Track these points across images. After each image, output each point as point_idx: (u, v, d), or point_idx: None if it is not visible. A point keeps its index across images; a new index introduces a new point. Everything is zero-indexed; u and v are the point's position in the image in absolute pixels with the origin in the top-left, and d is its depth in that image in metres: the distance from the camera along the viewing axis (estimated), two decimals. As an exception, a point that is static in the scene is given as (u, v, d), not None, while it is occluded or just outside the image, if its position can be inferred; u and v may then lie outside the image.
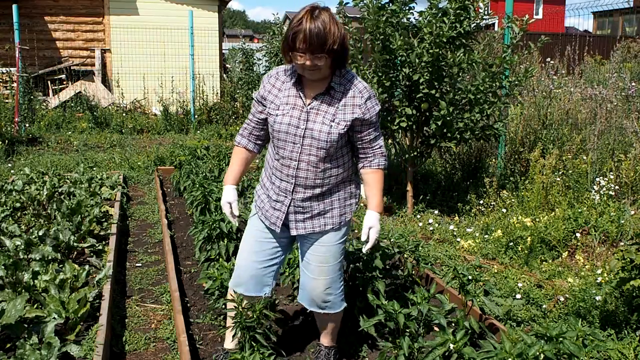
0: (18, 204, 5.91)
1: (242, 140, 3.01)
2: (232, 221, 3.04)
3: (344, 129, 2.77)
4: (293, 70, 2.81)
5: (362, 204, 5.56)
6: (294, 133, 2.76)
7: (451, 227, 5.82)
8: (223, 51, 18.83)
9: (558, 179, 5.97)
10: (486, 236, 5.45)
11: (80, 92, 14.53)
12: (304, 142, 2.77)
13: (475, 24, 5.85)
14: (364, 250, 3.00)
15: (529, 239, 5.01)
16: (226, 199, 2.99)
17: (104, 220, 5.65)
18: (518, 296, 4.11)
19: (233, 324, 2.95)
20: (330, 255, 2.98)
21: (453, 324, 3.19)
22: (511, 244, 5.13)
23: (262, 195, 3.02)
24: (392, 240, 4.02)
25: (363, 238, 2.95)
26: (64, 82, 15.28)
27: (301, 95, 2.79)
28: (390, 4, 5.91)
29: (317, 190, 2.87)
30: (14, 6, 12.17)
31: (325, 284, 3.00)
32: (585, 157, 6.25)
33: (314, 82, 2.77)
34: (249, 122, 2.99)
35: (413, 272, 3.91)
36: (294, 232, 2.94)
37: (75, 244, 4.78)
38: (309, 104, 2.78)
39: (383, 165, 3.01)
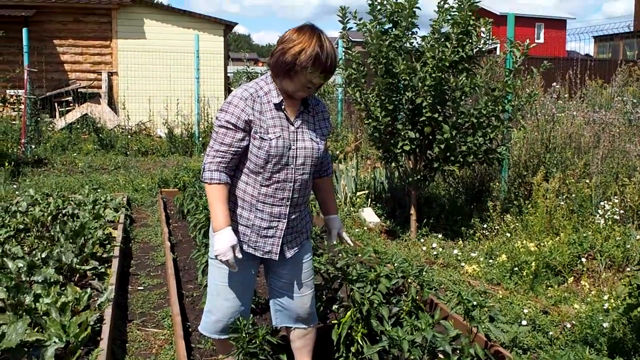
0: (22, 225, 5.93)
1: (222, 176, 2.67)
2: (235, 267, 2.68)
3: (324, 142, 2.89)
4: (266, 90, 2.73)
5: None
6: (287, 155, 2.72)
7: (455, 251, 5.79)
8: (228, 74, 18.96)
9: (562, 203, 5.94)
10: (490, 261, 5.42)
11: (86, 114, 14.63)
12: (297, 162, 2.75)
13: (477, 49, 5.88)
14: (334, 242, 3.22)
15: (533, 263, 4.97)
16: (229, 243, 2.62)
17: (107, 242, 5.64)
18: (524, 322, 4.07)
19: (236, 350, 2.92)
20: (311, 268, 3.06)
21: (458, 351, 3.15)
22: (516, 268, 5.09)
23: (239, 228, 2.80)
24: (395, 264, 3.99)
25: (334, 241, 3.17)
26: (71, 104, 15.40)
27: (286, 115, 2.74)
28: (393, 29, 5.96)
29: (302, 207, 2.90)
30: (24, 30, 12.33)
31: (311, 297, 3.05)
32: (589, 181, 6.23)
33: (294, 101, 2.78)
34: (224, 154, 2.66)
35: (417, 297, 3.88)
36: (289, 255, 2.90)
37: (77, 266, 4.77)
38: (295, 123, 2.76)
39: (332, 171, 3.14)
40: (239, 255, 2.68)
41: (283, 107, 2.73)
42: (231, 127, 2.65)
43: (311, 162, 2.79)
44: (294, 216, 2.85)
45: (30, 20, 15.34)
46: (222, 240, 2.63)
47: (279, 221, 2.81)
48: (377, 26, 5.97)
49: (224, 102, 2.73)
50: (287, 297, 3.01)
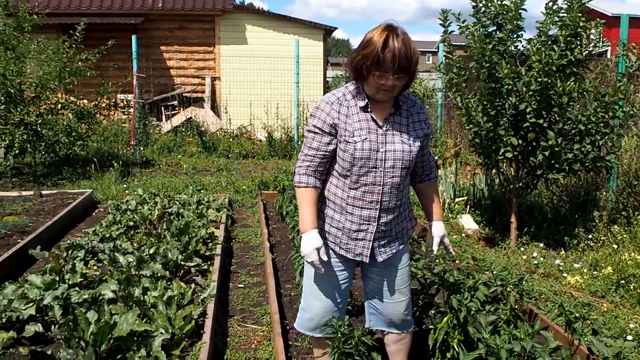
0: (131, 223, 6.26)
1: (310, 180, 2.75)
2: (321, 269, 2.76)
3: (419, 145, 2.79)
4: (354, 93, 2.73)
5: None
6: (375, 157, 2.68)
7: (557, 261, 5.60)
8: (327, 79, 19.14)
9: (677, 214, 5.62)
10: (595, 272, 5.21)
11: (190, 117, 15.19)
12: (386, 165, 2.70)
13: (587, 52, 5.64)
14: (436, 252, 3.05)
15: (642, 277, 4.74)
16: (313, 245, 2.68)
17: (209, 241, 5.86)
18: (629, 338, 3.89)
19: (331, 350, 2.96)
20: (407, 276, 3.01)
21: (558, 363, 3.06)
22: (622, 282, 4.87)
23: (331, 230, 2.86)
24: (494, 272, 3.92)
25: (435, 248, 3.01)
26: (176, 108, 16.05)
27: (373, 117, 2.71)
28: (497, 32, 5.83)
29: (396, 212, 2.85)
30: (133, 37, 12.97)
31: (406, 305, 3.02)
32: None
33: (382, 103, 2.72)
34: (312, 157, 2.75)
35: (516, 306, 3.79)
36: (380, 259, 2.88)
37: (182, 262, 4.98)
38: (384, 126, 2.71)
39: (437, 175, 3.04)
40: (324, 258, 2.72)
41: (369, 109, 2.70)
42: (318, 131, 2.71)
43: (402, 165, 2.73)
44: (384, 220, 2.81)
45: (138, 28, 16.14)
46: (307, 242, 2.70)
47: (368, 224, 2.79)
48: (481, 29, 5.85)
49: (314, 107, 2.78)
50: (379, 302, 3.02)
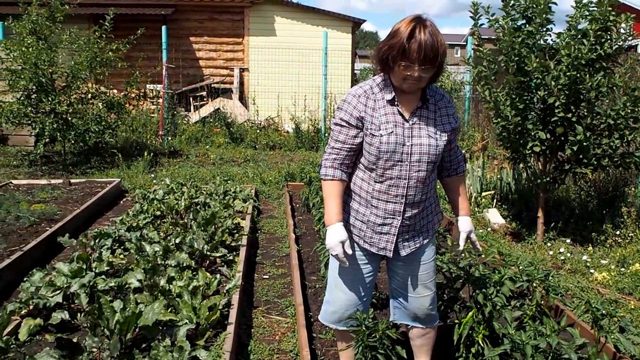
0: (158, 212, 6.31)
1: (337, 173, 2.75)
2: (345, 262, 2.74)
3: (446, 139, 2.76)
4: (382, 86, 2.71)
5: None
6: (401, 151, 2.66)
7: (584, 257, 5.53)
8: (355, 71, 19.09)
9: None
10: (622, 269, 5.14)
11: (219, 108, 15.25)
12: (412, 158, 2.68)
13: (617, 46, 5.56)
14: (462, 247, 2.99)
15: (673, 275, 4.66)
16: (338, 239, 2.68)
17: (235, 231, 5.89)
18: (658, 336, 3.82)
19: (354, 343, 2.96)
20: (432, 271, 2.98)
21: (584, 361, 3.02)
22: (652, 279, 4.80)
23: (356, 223, 2.85)
24: (520, 267, 3.88)
25: (462, 243, 2.96)
26: (205, 99, 16.14)
27: (399, 111, 2.68)
28: (527, 25, 5.77)
29: (421, 206, 2.82)
30: (163, 27, 13.06)
31: (430, 299, 3.01)
32: None
33: (409, 96, 2.70)
34: (338, 150, 2.74)
35: (542, 302, 3.75)
36: (403, 253, 2.86)
37: (208, 253, 5.02)
38: (410, 120, 2.69)
39: (465, 169, 3.00)
40: (349, 251, 2.72)
41: (396, 102, 2.68)
42: (344, 124, 2.71)
43: (428, 159, 2.70)
44: (409, 214, 2.79)
45: (168, 19, 16.24)
46: (332, 235, 2.70)
47: (393, 218, 2.78)
48: (510, 22, 5.81)
49: (340, 100, 2.76)
50: (403, 296, 3.01)
